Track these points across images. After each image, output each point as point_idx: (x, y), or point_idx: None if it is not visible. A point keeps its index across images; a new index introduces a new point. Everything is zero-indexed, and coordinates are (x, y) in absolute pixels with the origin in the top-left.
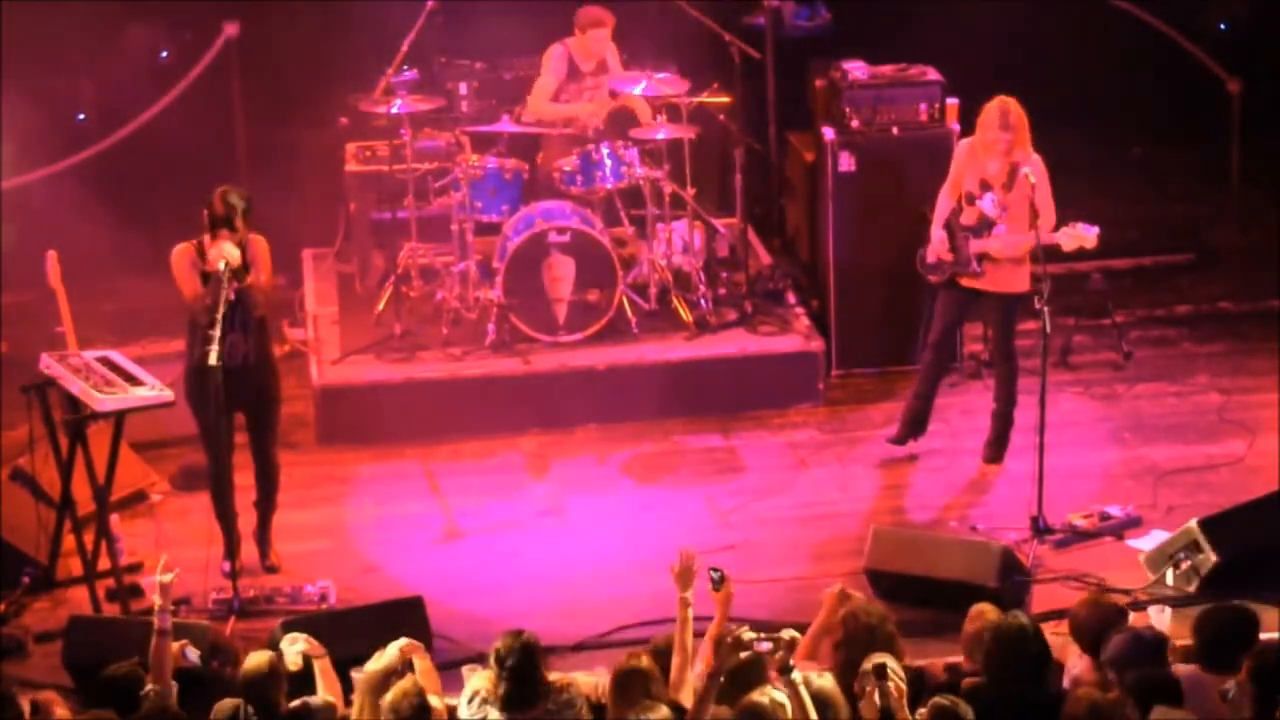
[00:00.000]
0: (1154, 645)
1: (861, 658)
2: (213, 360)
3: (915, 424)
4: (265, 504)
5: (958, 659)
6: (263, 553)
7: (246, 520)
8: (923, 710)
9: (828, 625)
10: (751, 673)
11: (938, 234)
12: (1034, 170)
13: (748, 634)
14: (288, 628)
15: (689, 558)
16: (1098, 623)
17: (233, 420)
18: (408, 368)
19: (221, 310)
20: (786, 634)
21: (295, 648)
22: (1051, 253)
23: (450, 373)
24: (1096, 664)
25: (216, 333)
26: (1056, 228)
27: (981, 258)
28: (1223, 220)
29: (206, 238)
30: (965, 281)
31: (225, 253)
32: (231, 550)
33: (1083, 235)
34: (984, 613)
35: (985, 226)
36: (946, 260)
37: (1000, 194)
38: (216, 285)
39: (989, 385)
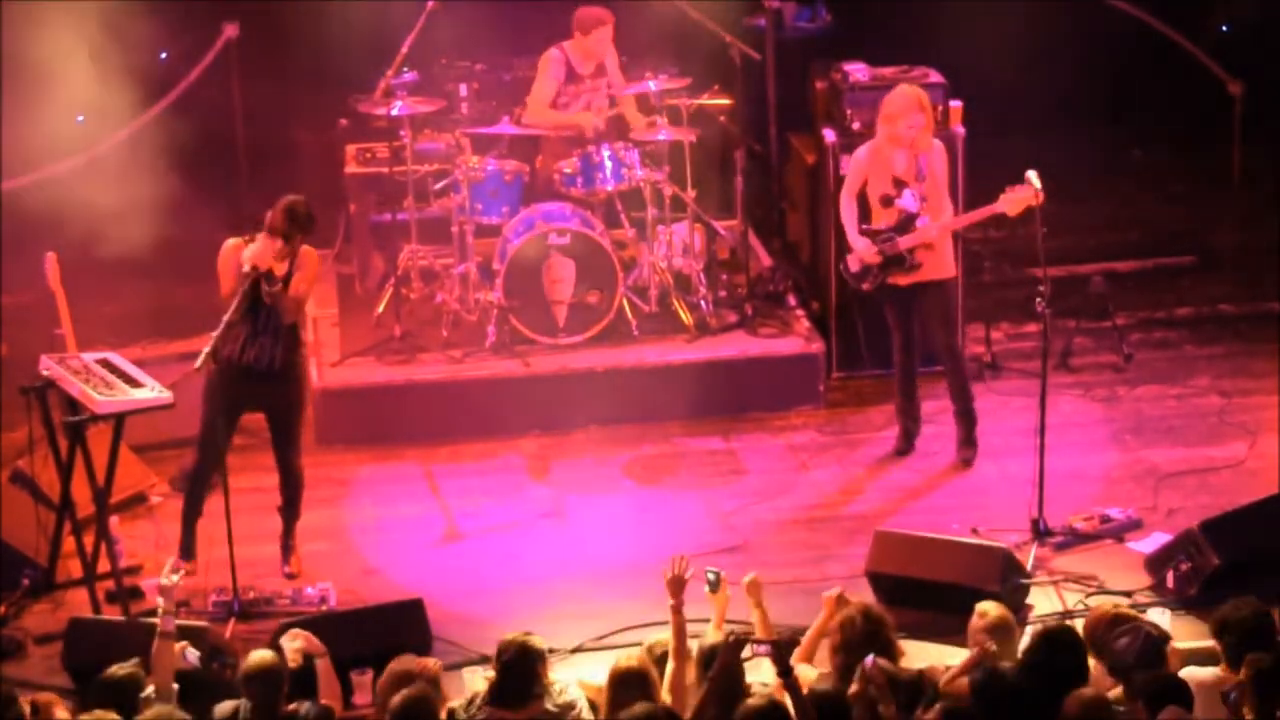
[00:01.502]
0: (1159, 644)
1: (860, 661)
2: (198, 363)
3: (913, 431)
4: (289, 510)
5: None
6: (285, 559)
7: (251, 524)
8: (931, 713)
9: (827, 628)
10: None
11: (861, 241)
12: (938, 157)
13: (747, 637)
14: (287, 630)
15: (681, 565)
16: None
17: (236, 421)
18: (408, 370)
19: (235, 311)
20: (785, 636)
21: (294, 644)
22: (1052, 255)
23: (450, 375)
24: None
25: (217, 332)
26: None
27: (912, 251)
28: (1224, 222)
29: (262, 236)
30: (903, 280)
31: (253, 255)
32: (188, 549)
33: (1019, 196)
34: (988, 610)
35: (909, 222)
36: (874, 264)
37: (916, 187)
38: (239, 285)
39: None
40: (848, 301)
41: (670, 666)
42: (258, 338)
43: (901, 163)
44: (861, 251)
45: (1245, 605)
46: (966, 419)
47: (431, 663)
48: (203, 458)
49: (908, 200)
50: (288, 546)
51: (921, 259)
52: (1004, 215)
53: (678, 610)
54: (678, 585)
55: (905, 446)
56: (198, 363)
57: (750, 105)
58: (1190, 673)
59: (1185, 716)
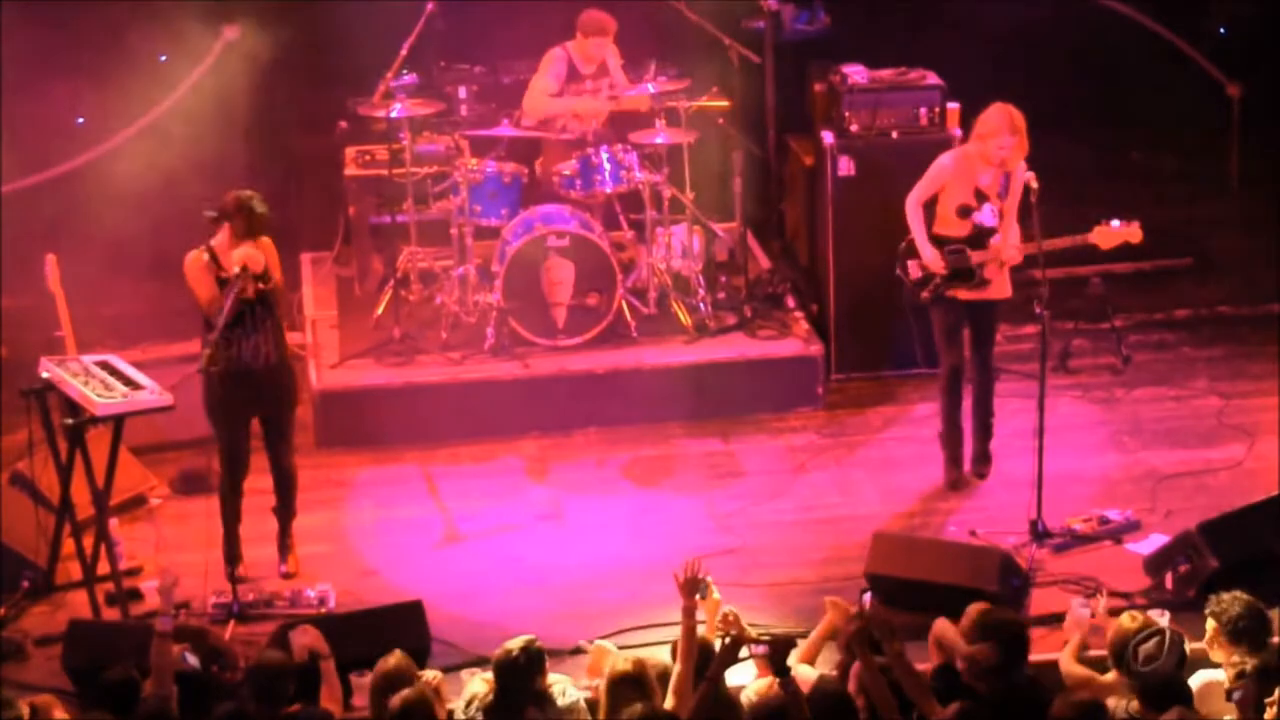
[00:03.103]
0: (1183, 645)
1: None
2: (202, 364)
3: (961, 458)
4: (285, 510)
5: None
6: (282, 558)
7: (250, 525)
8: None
9: (829, 631)
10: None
11: (930, 251)
12: (1020, 178)
13: (743, 639)
14: (288, 631)
15: (694, 567)
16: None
17: (249, 424)
18: (407, 372)
19: (227, 315)
20: (781, 637)
21: (304, 639)
22: (1051, 257)
23: (449, 376)
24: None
25: (214, 336)
26: (1088, 229)
27: (982, 266)
28: (1222, 224)
29: (215, 241)
30: (963, 295)
31: (246, 255)
32: (234, 555)
33: (1115, 232)
34: (974, 613)
35: (983, 236)
36: (938, 274)
37: (996, 202)
38: (230, 288)
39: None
40: (852, 304)
41: (676, 670)
42: (250, 338)
43: (988, 176)
44: (929, 260)
45: (1241, 603)
46: (985, 433)
47: (430, 675)
48: (229, 469)
49: (986, 215)
50: (285, 546)
51: (990, 276)
52: (1095, 247)
53: (690, 613)
54: (692, 588)
55: (957, 476)
56: (201, 364)
57: (749, 107)
58: (1201, 677)
59: (1190, 717)
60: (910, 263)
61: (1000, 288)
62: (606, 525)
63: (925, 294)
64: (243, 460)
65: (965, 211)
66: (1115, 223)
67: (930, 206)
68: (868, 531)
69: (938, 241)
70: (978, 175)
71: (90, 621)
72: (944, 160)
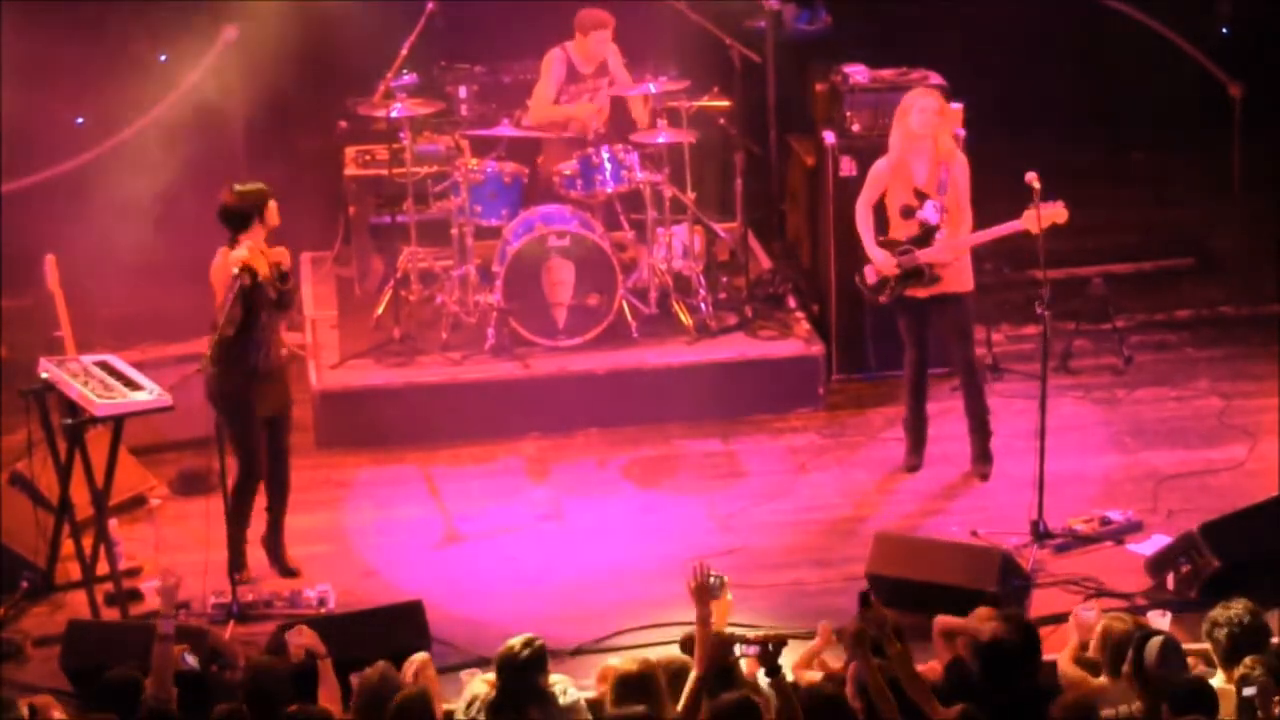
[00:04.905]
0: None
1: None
2: (202, 365)
3: (921, 444)
4: (279, 508)
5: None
6: (277, 557)
7: (251, 526)
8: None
9: (821, 649)
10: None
11: (879, 253)
12: (960, 170)
13: (734, 637)
14: (287, 631)
15: (704, 573)
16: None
17: (264, 426)
18: (407, 372)
19: (227, 315)
20: (773, 637)
21: (299, 639)
22: (1052, 257)
23: (449, 377)
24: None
25: (229, 335)
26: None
27: (932, 264)
28: (1224, 225)
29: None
30: (920, 293)
31: (276, 255)
32: (239, 561)
33: (1043, 213)
34: (983, 616)
35: (929, 234)
36: (891, 276)
37: (938, 198)
38: (229, 288)
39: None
40: (853, 305)
41: (692, 675)
42: (268, 339)
43: (924, 173)
44: (879, 263)
45: (1237, 604)
46: (981, 433)
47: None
48: (248, 471)
49: (929, 212)
50: (278, 544)
51: (941, 272)
52: (1027, 233)
53: (704, 621)
54: (704, 594)
55: (916, 463)
56: (201, 363)
57: (750, 107)
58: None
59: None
60: (866, 268)
61: (954, 281)
62: (607, 526)
63: (882, 298)
64: (260, 465)
65: (908, 212)
66: (1043, 205)
67: (881, 213)
68: (868, 532)
69: (890, 246)
70: (914, 174)
71: (89, 622)
72: (879, 164)
